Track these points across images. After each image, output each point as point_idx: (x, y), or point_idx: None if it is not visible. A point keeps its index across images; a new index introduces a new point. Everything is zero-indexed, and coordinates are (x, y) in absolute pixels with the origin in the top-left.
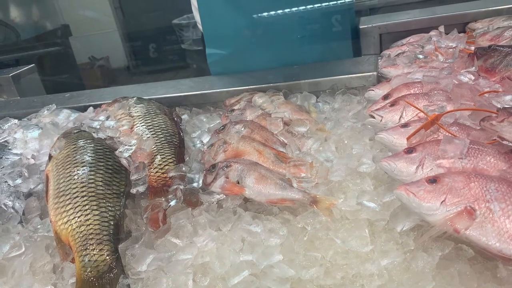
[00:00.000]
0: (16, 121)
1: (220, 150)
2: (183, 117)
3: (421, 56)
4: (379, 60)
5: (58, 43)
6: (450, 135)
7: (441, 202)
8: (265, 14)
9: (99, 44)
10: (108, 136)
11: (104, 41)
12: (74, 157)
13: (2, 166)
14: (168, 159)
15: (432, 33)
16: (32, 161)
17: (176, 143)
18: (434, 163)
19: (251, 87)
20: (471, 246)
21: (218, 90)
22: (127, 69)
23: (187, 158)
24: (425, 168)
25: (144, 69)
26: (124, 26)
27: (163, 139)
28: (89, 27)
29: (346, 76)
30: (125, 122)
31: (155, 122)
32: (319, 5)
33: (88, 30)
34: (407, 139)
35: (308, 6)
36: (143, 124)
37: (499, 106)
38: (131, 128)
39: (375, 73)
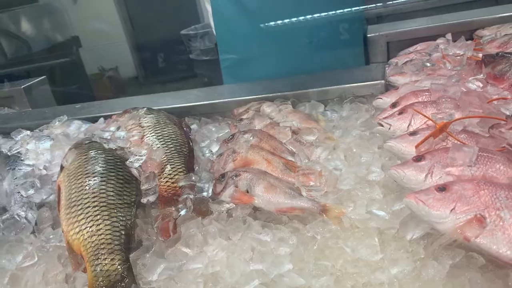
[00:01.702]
0: (28, 132)
1: (229, 159)
2: (192, 126)
3: (428, 64)
4: (387, 68)
5: (69, 55)
6: (459, 142)
7: (451, 210)
8: (278, 20)
9: (108, 55)
10: (118, 147)
11: (113, 52)
12: (86, 167)
13: (15, 177)
14: (178, 168)
15: (440, 40)
16: (44, 171)
17: (186, 153)
18: (443, 171)
19: (259, 96)
20: (482, 254)
21: (226, 99)
22: (136, 80)
23: (197, 167)
24: (434, 176)
25: (153, 79)
26: (133, 37)
27: (172, 149)
28: (98, 38)
29: (354, 84)
30: (136, 133)
31: (165, 132)
32: (331, 13)
33: (98, 41)
34: (416, 147)
35: (321, 14)
36: (153, 134)
37: (507, 113)
38: (141, 138)
39: (383, 81)
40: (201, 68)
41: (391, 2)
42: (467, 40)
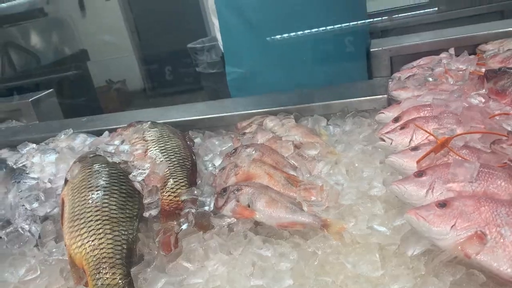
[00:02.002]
0: (34, 145)
1: (231, 173)
2: (195, 140)
3: (431, 79)
4: (390, 83)
5: (76, 68)
6: (460, 158)
7: (451, 227)
8: (283, 35)
9: (116, 67)
10: (122, 160)
11: (120, 65)
12: (89, 181)
13: (20, 190)
14: (181, 182)
15: (442, 55)
16: (48, 185)
17: (189, 167)
18: (444, 186)
19: (263, 110)
20: (482, 272)
21: (230, 113)
22: (144, 92)
23: (199, 181)
24: (435, 192)
25: (160, 91)
26: (141, 50)
27: (175, 162)
28: (106, 51)
29: (357, 99)
30: (139, 146)
31: (168, 146)
32: (335, 27)
33: (105, 54)
34: (417, 162)
35: (325, 29)
36: (156, 148)
37: (509, 129)
38: (145, 152)
39: (385, 95)
40: (207, 81)
41: (396, 16)
42: (470, 54)
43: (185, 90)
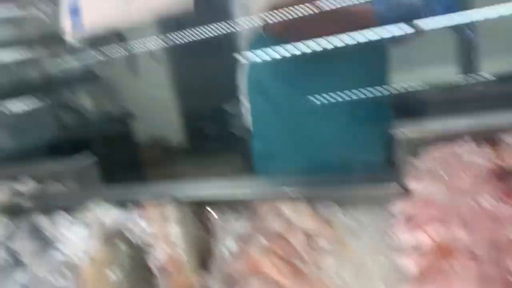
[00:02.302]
0: (66, 215)
1: (241, 261)
2: (214, 218)
3: (445, 173)
4: (405, 172)
5: (121, 127)
6: (462, 269)
7: None
8: (308, 118)
9: (158, 126)
10: (144, 242)
11: (163, 124)
12: (110, 261)
13: (48, 264)
14: (193, 268)
15: (462, 145)
16: (76, 260)
17: (201, 250)
18: None
19: (282, 192)
20: None
21: (251, 193)
22: (184, 149)
23: (212, 263)
24: None
25: (199, 150)
26: (183, 108)
27: (190, 245)
28: (150, 111)
29: (371, 186)
30: (160, 229)
31: (187, 230)
32: (357, 112)
33: (150, 114)
34: (420, 270)
35: (346, 113)
36: (176, 230)
37: None
38: (165, 235)
39: (401, 184)
40: (240, 146)
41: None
42: (491, 146)
43: (220, 148)
